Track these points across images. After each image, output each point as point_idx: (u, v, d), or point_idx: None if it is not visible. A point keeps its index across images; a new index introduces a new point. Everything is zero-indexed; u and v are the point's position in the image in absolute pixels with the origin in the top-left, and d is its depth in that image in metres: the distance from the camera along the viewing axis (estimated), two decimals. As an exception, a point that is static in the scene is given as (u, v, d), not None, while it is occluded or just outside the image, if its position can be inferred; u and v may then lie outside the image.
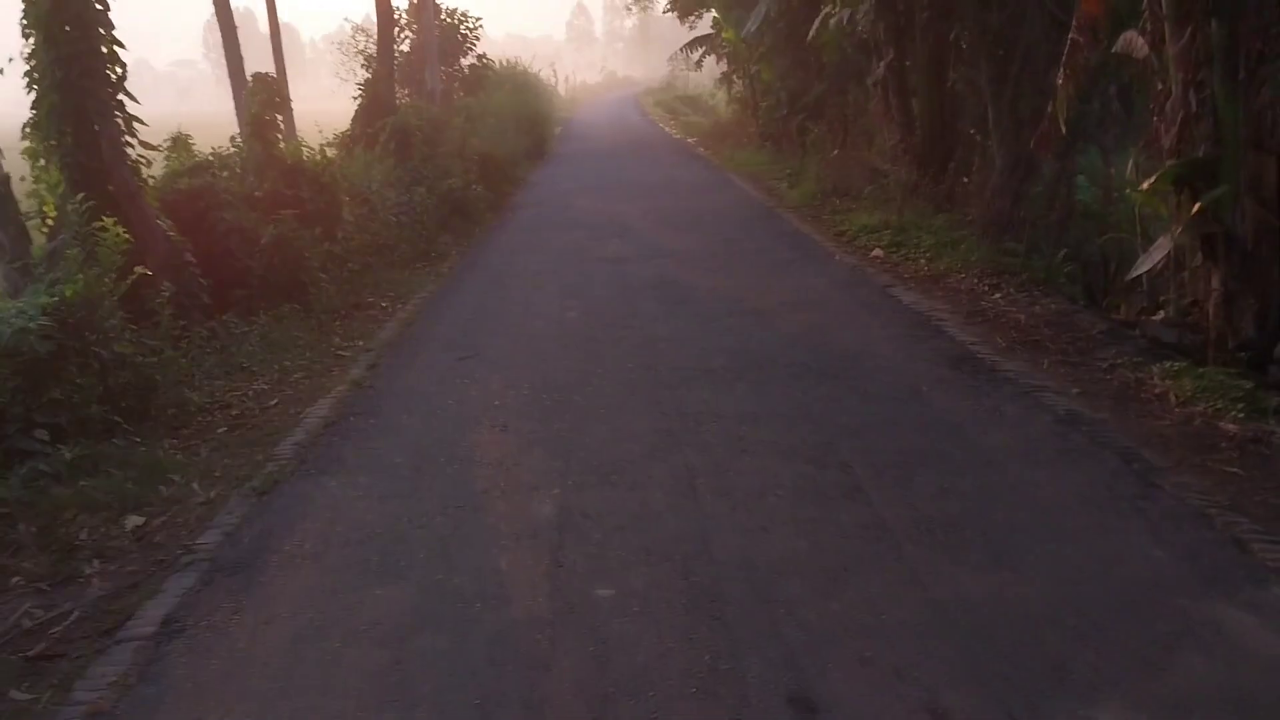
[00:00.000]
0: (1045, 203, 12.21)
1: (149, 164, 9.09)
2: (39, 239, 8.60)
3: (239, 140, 12.28)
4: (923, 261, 10.27)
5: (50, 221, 8.81)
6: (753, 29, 20.67)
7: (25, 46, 8.45)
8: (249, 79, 14.93)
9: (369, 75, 17.13)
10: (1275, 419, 5.48)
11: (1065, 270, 9.92)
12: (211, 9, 18.58)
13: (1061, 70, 8.83)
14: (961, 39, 13.77)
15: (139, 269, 6.98)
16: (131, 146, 8.86)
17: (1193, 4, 7.30)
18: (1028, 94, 12.13)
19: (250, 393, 7.33)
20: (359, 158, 14.74)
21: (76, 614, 4.17)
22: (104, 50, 8.43)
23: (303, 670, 3.57)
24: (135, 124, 8.86)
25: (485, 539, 4.47)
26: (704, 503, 4.70)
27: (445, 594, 3.99)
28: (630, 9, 55.87)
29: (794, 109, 21.72)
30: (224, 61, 19.86)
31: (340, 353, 8.29)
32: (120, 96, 8.73)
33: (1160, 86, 8.59)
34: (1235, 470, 4.91)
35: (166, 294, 7.80)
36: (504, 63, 30.28)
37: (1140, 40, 8.71)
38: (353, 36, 24.13)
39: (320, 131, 16.26)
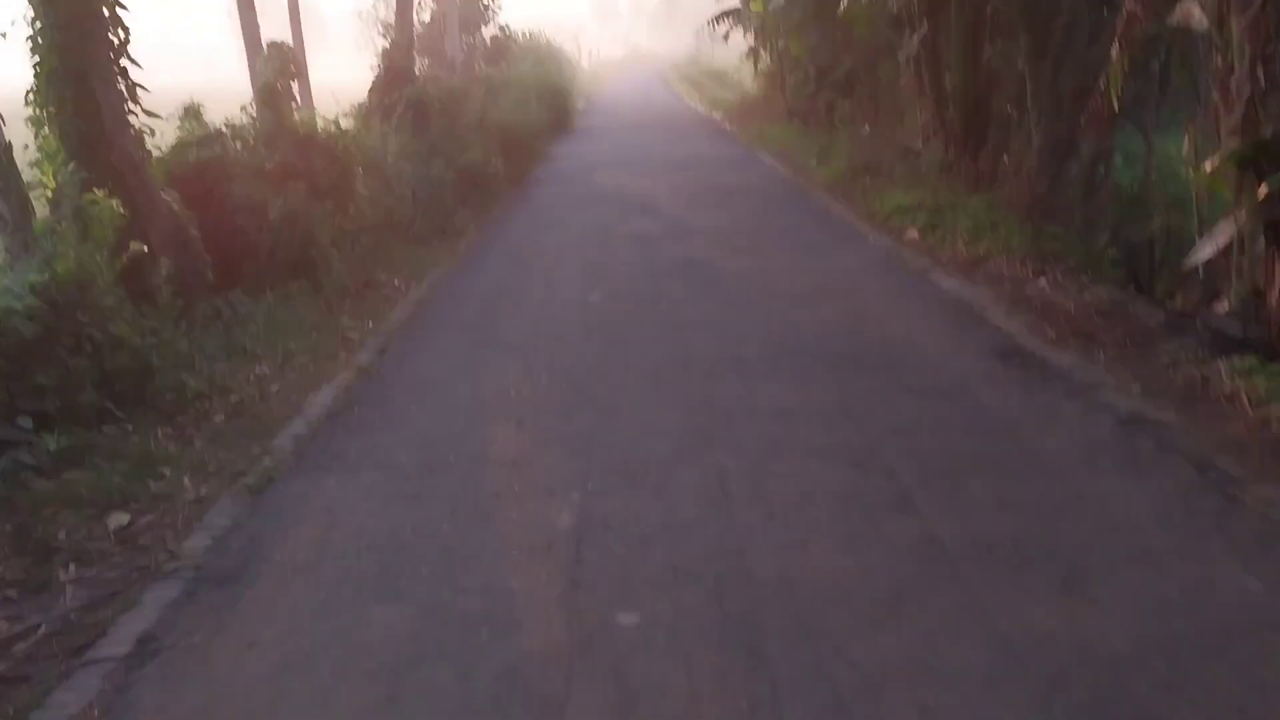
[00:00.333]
0: (1083, 184, 11.68)
1: (153, 133, 8.68)
2: (44, 211, 8.26)
3: (250, 110, 11.82)
4: (960, 244, 9.76)
5: (50, 193, 8.47)
6: (781, 2, 20.05)
7: (29, 9, 8.06)
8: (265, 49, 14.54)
9: (386, 45, 16.62)
10: (1363, 424, 5.00)
11: (1109, 255, 9.41)
12: None
13: (1115, 44, 8.28)
14: (999, 13, 13.17)
15: (135, 244, 6.56)
16: (135, 115, 8.46)
17: (1267, -28, 6.73)
18: (1069, 70, 11.59)
19: (252, 377, 6.93)
20: (375, 129, 14.29)
21: (45, 629, 3.79)
22: (106, 12, 8.01)
23: (286, 707, 3.17)
24: (139, 91, 8.48)
25: (495, 552, 4.06)
26: (737, 512, 4.26)
27: (449, 618, 3.58)
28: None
29: (822, 84, 21.09)
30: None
31: (348, 335, 7.88)
32: (124, 62, 8.33)
33: (1221, 62, 8.06)
34: (1325, 483, 4.44)
35: (166, 272, 7.42)
36: (526, 34, 29.70)
37: (1198, 12, 8.17)
38: (373, 5, 23.62)
39: (336, 102, 15.80)
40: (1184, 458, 4.70)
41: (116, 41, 8.20)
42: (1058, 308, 7.37)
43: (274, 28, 20.72)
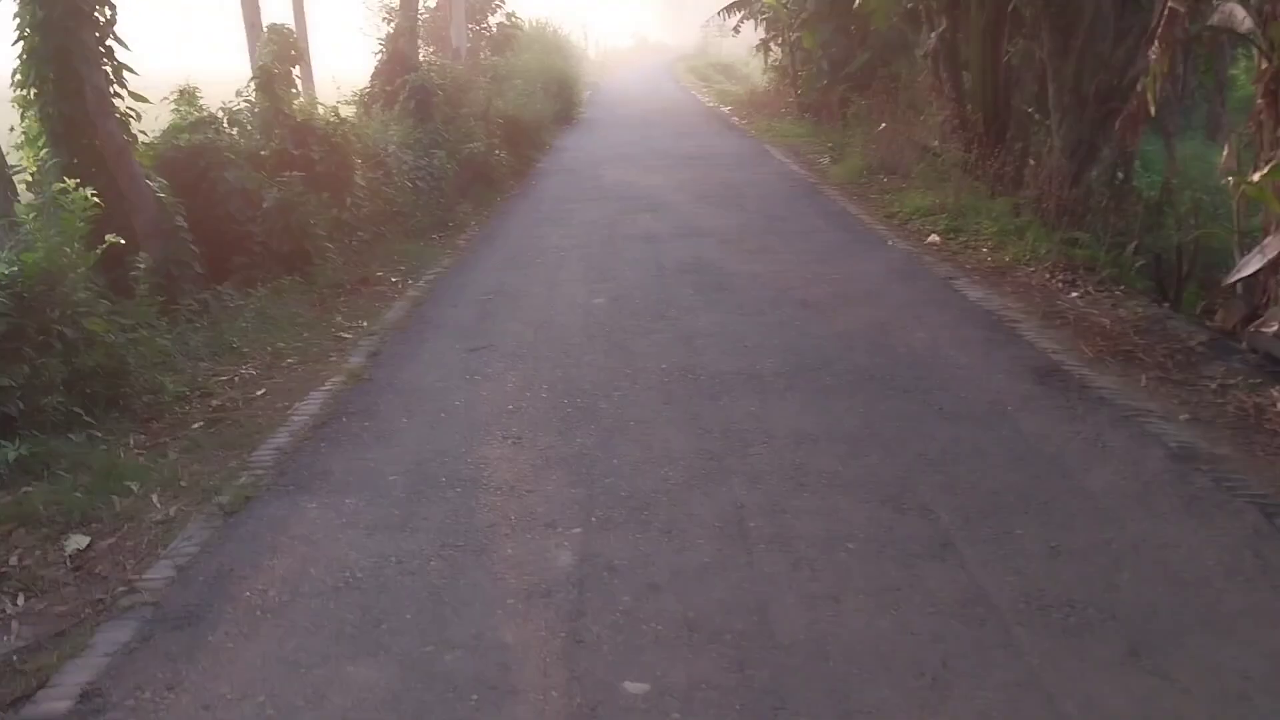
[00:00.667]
0: (1105, 189, 11.24)
1: (139, 117, 8.25)
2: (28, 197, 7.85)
3: (246, 94, 11.37)
4: (985, 251, 9.33)
5: (31, 176, 8.05)
6: (796, -6, 19.59)
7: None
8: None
9: (390, 31, 16.16)
10: None
11: (1137, 265, 8.96)
12: None
13: (1156, 43, 7.84)
14: (1020, 9, 12.73)
15: (110, 237, 6.13)
16: (120, 98, 8.04)
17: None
18: (1092, 70, 11.16)
19: (236, 378, 6.54)
20: (376, 117, 13.85)
21: (-19, 674, 3.37)
22: (91, -13, 7.58)
23: (242, 788, 2.75)
24: (127, 73, 8.06)
25: (488, 596, 3.63)
26: (758, 557, 3.83)
27: (433, 678, 3.15)
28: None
29: (836, 79, 20.65)
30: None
31: (341, 335, 7.47)
32: (110, 42, 7.91)
33: (1265, 65, 7.63)
34: (1407, 534, 4.01)
35: (144, 265, 7.01)
36: (533, 23, 29.20)
37: (1242, 12, 7.74)
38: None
39: (338, 88, 15.35)
40: (1247, 500, 4.27)
41: (103, 20, 7.78)
42: (1093, 323, 6.94)
43: (279, 12, 20.36)
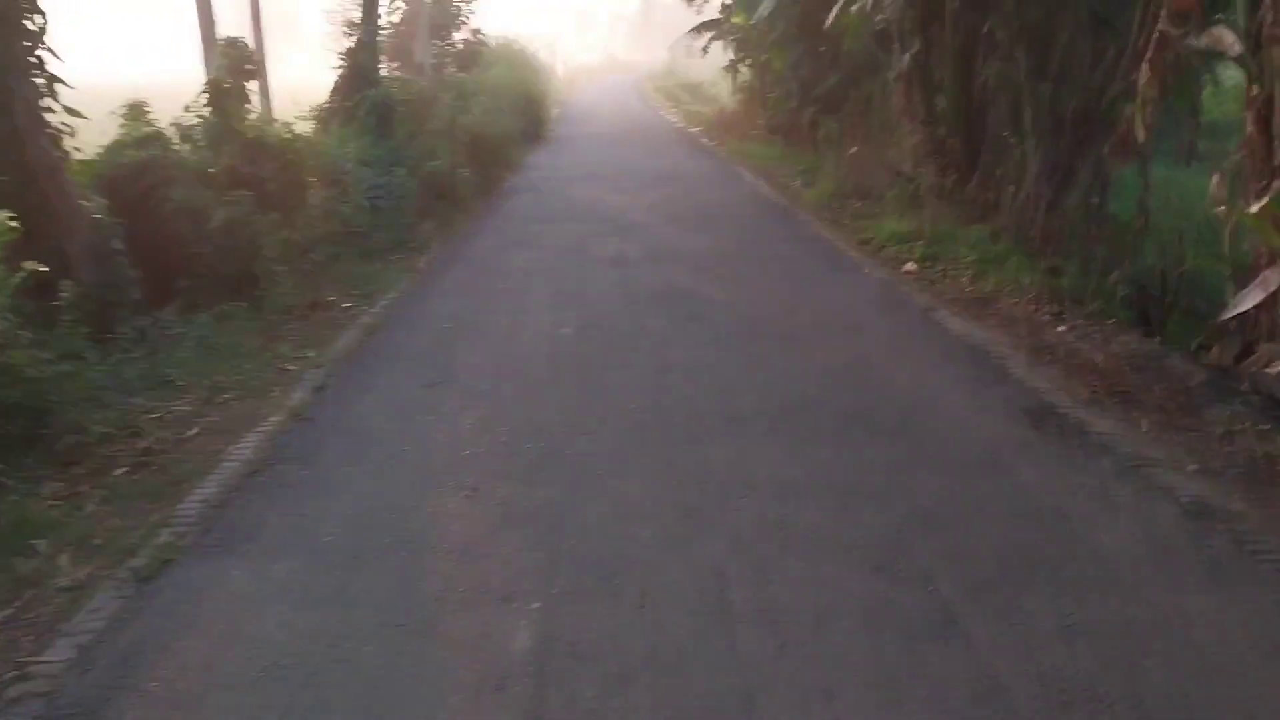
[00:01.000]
0: (1082, 214, 11.00)
1: (73, 133, 7.72)
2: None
3: (195, 109, 10.85)
4: (964, 280, 8.99)
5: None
6: (765, 14, 19.32)
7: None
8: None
9: (351, 45, 15.66)
10: None
11: (1121, 294, 8.66)
12: None
13: (1145, 67, 7.55)
14: (994, 31, 12.49)
15: (28, 265, 5.62)
16: (53, 112, 7.52)
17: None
18: (1070, 92, 10.92)
19: (169, 416, 6.02)
20: (335, 133, 13.35)
21: None
22: (20, -5, 7.06)
23: None
24: (59, 85, 7.53)
25: (431, 690, 3.16)
26: (742, 637, 3.38)
27: (363, 799, 2.69)
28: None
29: (806, 100, 20.39)
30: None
31: (286, 366, 6.96)
32: (41, 52, 7.38)
33: (1256, 90, 7.36)
34: None
35: (77, 290, 6.50)
36: (500, 40, 28.78)
37: (1231, 36, 7.48)
38: (340, 4, 22.56)
39: (296, 103, 14.85)
40: (1273, 566, 3.90)
41: (33, 28, 7.25)
42: (1084, 359, 6.59)
43: (241, 23, 19.78)
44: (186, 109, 10.86)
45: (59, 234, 7.25)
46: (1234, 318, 7.16)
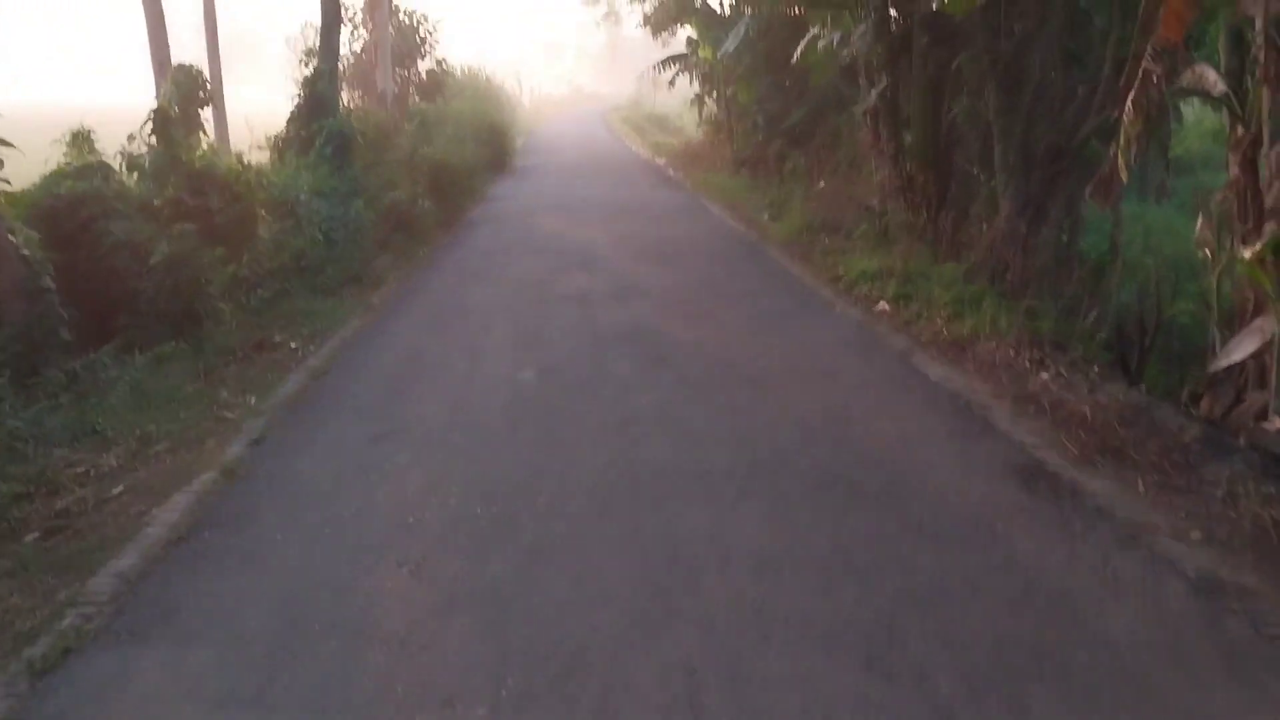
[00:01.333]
0: (1053, 254, 10.80)
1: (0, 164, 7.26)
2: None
3: (140, 137, 10.38)
4: (940, 321, 8.66)
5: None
6: (731, 49, 19.14)
7: None
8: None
9: (309, 73, 15.23)
10: None
11: (1098, 338, 8.41)
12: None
13: (1128, 105, 7.31)
14: (964, 67, 12.33)
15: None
16: (-25, 143, 7.08)
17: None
18: (1042, 129, 10.74)
19: (93, 471, 5.54)
20: (290, 162, 12.90)
21: None
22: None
23: None
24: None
25: (359, 822, 2.72)
26: (717, 752, 2.98)
27: None
28: (599, 25, 54.40)
29: (772, 134, 20.22)
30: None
31: (225, 413, 6.50)
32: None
33: (1242, 131, 7.16)
34: None
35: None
36: (465, 69, 28.48)
37: (1214, 75, 7.27)
38: (302, 32, 22.14)
39: (251, 131, 14.41)
40: (1299, 654, 3.54)
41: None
42: (1071, 410, 6.25)
43: (201, 49, 19.27)
44: (131, 138, 10.40)
45: (-19, 270, 6.79)
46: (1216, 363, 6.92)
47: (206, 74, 15.24)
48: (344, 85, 19.88)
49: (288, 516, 4.75)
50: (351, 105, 18.75)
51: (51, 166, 8.83)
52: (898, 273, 10.26)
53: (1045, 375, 7.08)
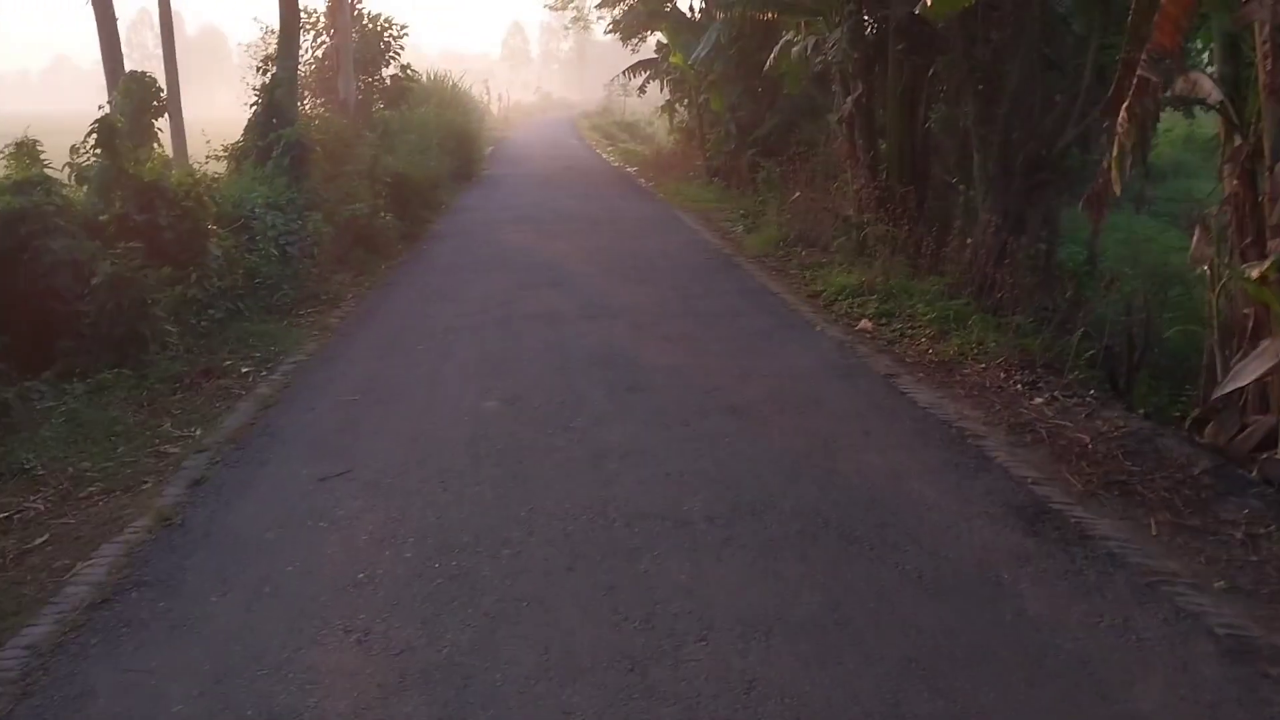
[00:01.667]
0: (1030, 265, 10.49)
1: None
2: None
3: (86, 149, 9.87)
4: (925, 341, 8.33)
5: None
6: (702, 54, 18.78)
7: None
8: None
9: (266, 80, 14.71)
10: None
11: (1087, 354, 8.08)
12: (140, 8, 16.13)
13: (1122, 114, 6.99)
14: (942, 74, 12.04)
15: None
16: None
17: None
18: (1021, 139, 10.46)
19: (17, 518, 5.07)
20: (247, 173, 12.39)
21: None
22: None
23: None
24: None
25: None
26: None
27: None
28: (568, 28, 54.04)
29: (744, 142, 19.91)
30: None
31: (166, 448, 6.03)
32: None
33: (1239, 141, 6.85)
34: None
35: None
36: (431, 76, 27.93)
37: (1209, 84, 6.98)
38: (262, 38, 21.56)
39: (208, 142, 13.88)
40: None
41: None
42: (1070, 440, 5.91)
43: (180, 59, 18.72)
44: (74, 150, 9.88)
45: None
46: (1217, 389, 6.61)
47: (163, 81, 14.76)
48: (305, 92, 19.36)
49: (225, 574, 4.28)
50: (313, 113, 18.21)
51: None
52: (878, 288, 9.93)
53: (1039, 400, 6.74)
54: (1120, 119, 6.91)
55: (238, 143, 13.85)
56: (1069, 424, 6.19)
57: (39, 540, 4.82)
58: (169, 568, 4.37)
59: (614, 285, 10.82)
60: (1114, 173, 7.06)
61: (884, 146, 13.17)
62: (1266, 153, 6.39)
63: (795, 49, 14.75)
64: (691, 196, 19.15)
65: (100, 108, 10.73)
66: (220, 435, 6.18)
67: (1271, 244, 6.06)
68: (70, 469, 5.66)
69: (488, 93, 50.64)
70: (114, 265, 7.82)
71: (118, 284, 7.75)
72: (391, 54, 22.75)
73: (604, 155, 32.25)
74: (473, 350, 8.17)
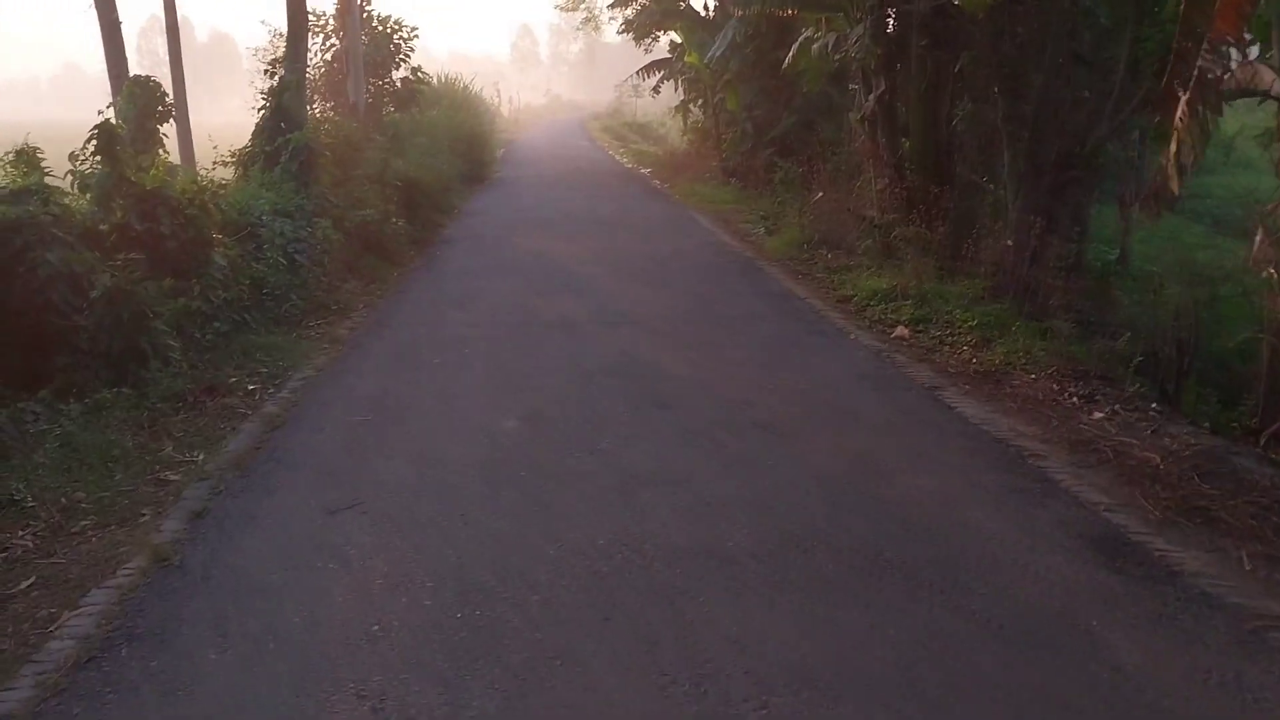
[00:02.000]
0: (1064, 267, 10.04)
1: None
2: None
3: (87, 156, 9.51)
4: (966, 350, 7.89)
5: None
6: (718, 54, 18.38)
7: None
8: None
9: (274, 84, 14.34)
10: None
11: (1135, 361, 7.62)
12: (151, 14, 15.79)
13: (1182, 108, 6.56)
14: (968, 70, 11.61)
15: None
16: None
17: None
18: (1051, 136, 10.01)
19: (2, 558, 4.66)
20: (254, 179, 12.02)
21: None
22: None
23: None
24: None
25: None
26: None
27: None
28: (579, 29, 53.69)
29: (761, 141, 19.50)
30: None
31: (166, 475, 5.63)
32: None
33: (1304, 137, 6.39)
34: None
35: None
36: (442, 78, 27.56)
37: (1270, 75, 6.56)
38: (270, 41, 21.20)
39: (214, 147, 13.50)
40: None
41: None
42: (1139, 459, 5.46)
43: (190, 65, 18.33)
44: (73, 157, 9.53)
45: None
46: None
47: (168, 86, 14.39)
48: (314, 96, 18.99)
49: (224, 624, 3.87)
50: (322, 116, 17.83)
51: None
52: (911, 293, 9.50)
53: (1099, 414, 6.29)
54: (1180, 113, 6.48)
55: (245, 148, 13.48)
56: (1134, 441, 5.74)
57: (25, 584, 4.42)
58: (163, 617, 3.96)
59: (631, 290, 10.41)
60: (1172, 170, 6.65)
61: (907, 145, 12.76)
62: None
63: (815, 46, 14.33)
64: (707, 197, 18.71)
65: (100, 113, 10.34)
66: (224, 460, 5.77)
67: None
68: (63, 499, 5.26)
69: (498, 95, 50.29)
70: (113, 277, 7.43)
71: (117, 296, 7.37)
72: (402, 56, 22.35)
73: (616, 156, 31.83)
74: (488, 363, 7.77)
